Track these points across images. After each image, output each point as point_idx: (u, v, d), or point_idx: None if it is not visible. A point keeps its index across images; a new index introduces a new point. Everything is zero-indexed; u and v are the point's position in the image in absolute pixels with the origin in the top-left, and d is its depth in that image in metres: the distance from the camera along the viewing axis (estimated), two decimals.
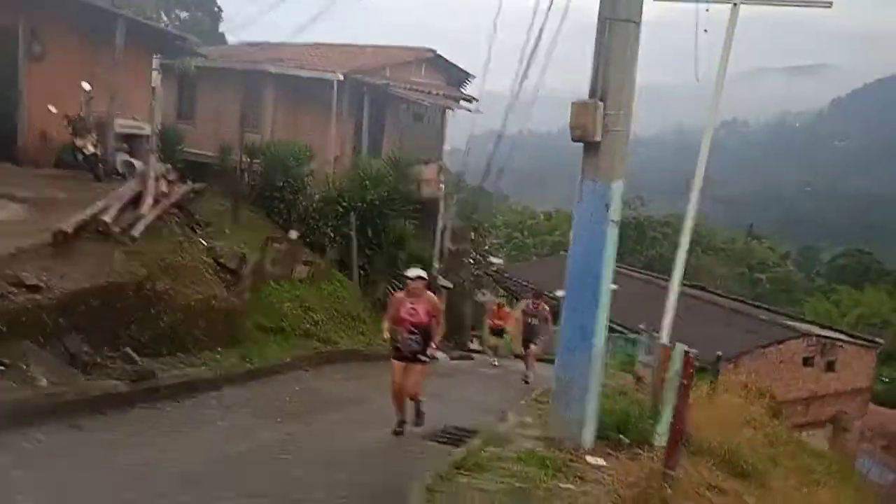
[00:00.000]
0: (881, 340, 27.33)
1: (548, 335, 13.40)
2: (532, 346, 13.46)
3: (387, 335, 7.90)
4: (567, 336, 6.49)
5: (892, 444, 25.60)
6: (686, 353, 5.43)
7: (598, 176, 6.14)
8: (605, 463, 6.46)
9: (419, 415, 7.96)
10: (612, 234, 6.17)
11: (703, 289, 30.13)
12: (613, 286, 23.09)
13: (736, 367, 20.56)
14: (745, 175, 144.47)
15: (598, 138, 6.07)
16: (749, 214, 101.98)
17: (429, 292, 7.70)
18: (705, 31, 9.93)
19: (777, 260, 75.21)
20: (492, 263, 36.36)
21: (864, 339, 26.36)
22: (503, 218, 70.14)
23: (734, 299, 29.85)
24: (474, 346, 22.92)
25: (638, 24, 6.12)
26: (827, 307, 57.26)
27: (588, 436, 6.67)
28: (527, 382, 12.96)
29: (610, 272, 6.29)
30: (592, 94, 6.14)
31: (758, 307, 28.60)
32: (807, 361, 23.04)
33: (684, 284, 31.07)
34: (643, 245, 59.23)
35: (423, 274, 7.74)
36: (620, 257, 43.65)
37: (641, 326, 19.90)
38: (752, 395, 12.55)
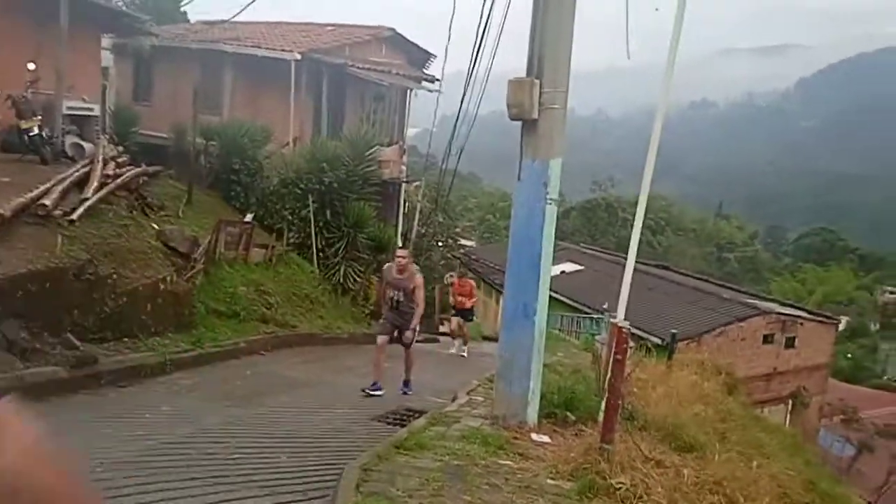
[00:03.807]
0: (840, 317, 27.94)
1: (416, 319, 9.08)
2: (406, 333, 9.03)
3: None
4: (509, 314, 6.49)
5: (851, 419, 26.23)
6: (619, 327, 5.44)
7: (537, 154, 6.10)
8: (549, 440, 6.48)
9: None
10: (551, 213, 6.15)
11: (666, 268, 30.49)
12: (579, 267, 23.01)
13: (699, 345, 20.90)
14: (713, 155, 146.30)
15: (535, 116, 6.03)
16: (718, 194, 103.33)
17: None
18: (657, 9, 9.90)
19: (745, 239, 76.38)
20: (462, 246, 36.41)
21: (824, 316, 26.92)
22: (475, 200, 70.21)
23: (698, 278, 30.26)
24: (445, 328, 22.92)
25: None
26: (794, 286, 58.36)
27: (532, 413, 6.68)
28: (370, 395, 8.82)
29: (550, 250, 6.29)
30: (529, 72, 6.09)
31: (720, 286, 29.03)
32: (767, 339, 23.47)
33: (648, 264, 31.34)
34: (614, 226, 59.75)
35: None
36: (592, 238, 44.12)
37: (604, 306, 20.12)
38: (707, 372, 12.73)
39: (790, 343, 24.08)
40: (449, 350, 14.45)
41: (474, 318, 15.29)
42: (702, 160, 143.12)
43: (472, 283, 15.03)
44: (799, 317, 25.05)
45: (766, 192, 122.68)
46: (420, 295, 9.09)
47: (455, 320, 14.48)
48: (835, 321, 26.65)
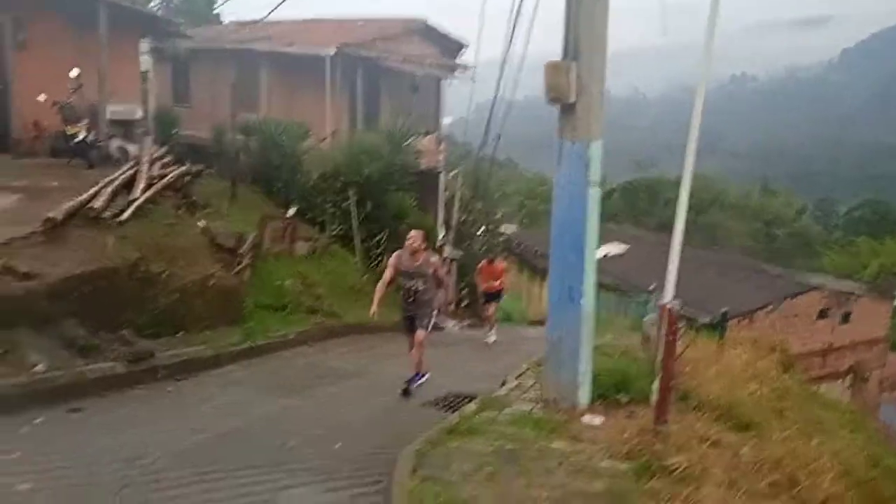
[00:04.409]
0: None
1: (434, 308, 8.49)
2: (418, 331, 8.24)
3: None
4: (555, 298, 6.43)
5: None
6: (668, 308, 5.34)
7: (576, 137, 6.01)
8: (601, 422, 6.42)
9: None
10: (594, 195, 6.06)
11: (713, 247, 29.93)
12: (624, 247, 22.50)
13: (750, 323, 20.47)
14: (755, 130, 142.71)
15: (573, 99, 5.94)
16: (762, 169, 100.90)
17: None
18: None
19: (793, 214, 74.31)
20: (503, 232, 36.23)
21: (880, 289, 26.14)
22: (515, 186, 69.84)
23: (746, 256, 29.65)
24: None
25: None
26: (847, 259, 56.66)
27: (583, 395, 6.62)
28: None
29: (594, 231, 6.19)
30: (565, 54, 6.00)
31: (771, 262, 28.40)
32: (822, 314, 22.88)
33: (694, 244, 30.71)
34: (657, 206, 58.72)
35: None
36: (635, 220, 43.49)
37: (652, 287, 19.84)
38: (761, 350, 12.45)
39: (846, 318, 23.44)
40: (486, 339, 13.73)
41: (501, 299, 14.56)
42: (744, 135, 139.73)
43: (503, 265, 14.43)
44: (853, 291, 24.37)
45: (811, 166, 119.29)
46: (441, 274, 8.35)
47: (492, 306, 13.95)
48: (892, 294, 25.86)
